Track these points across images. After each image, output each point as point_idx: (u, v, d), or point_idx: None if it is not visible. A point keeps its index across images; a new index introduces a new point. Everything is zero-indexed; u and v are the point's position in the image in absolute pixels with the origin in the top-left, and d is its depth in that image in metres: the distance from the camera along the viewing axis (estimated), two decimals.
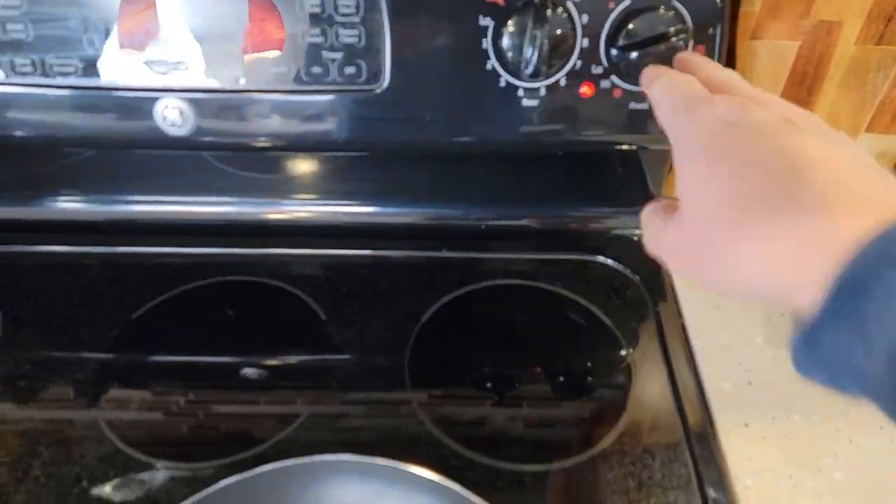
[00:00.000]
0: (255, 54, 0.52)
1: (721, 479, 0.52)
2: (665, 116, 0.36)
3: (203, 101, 0.54)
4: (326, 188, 0.71)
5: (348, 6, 0.50)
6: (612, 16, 0.50)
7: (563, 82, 0.53)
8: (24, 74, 0.53)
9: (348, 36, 0.51)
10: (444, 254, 0.70)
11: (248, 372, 0.60)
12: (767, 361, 0.59)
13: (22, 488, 0.51)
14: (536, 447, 0.55)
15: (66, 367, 0.60)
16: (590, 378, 0.61)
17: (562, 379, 0.61)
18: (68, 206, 0.70)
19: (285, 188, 0.71)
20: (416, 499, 0.46)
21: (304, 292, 0.66)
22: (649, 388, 0.59)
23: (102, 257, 0.70)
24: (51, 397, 0.58)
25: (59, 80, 0.53)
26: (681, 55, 0.45)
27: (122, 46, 0.52)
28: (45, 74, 0.53)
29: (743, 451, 0.53)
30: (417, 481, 0.45)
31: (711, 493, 0.51)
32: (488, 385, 0.59)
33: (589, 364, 0.62)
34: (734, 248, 0.29)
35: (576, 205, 0.71)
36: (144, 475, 0.53)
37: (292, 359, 0.62)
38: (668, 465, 0.53)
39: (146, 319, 0.64)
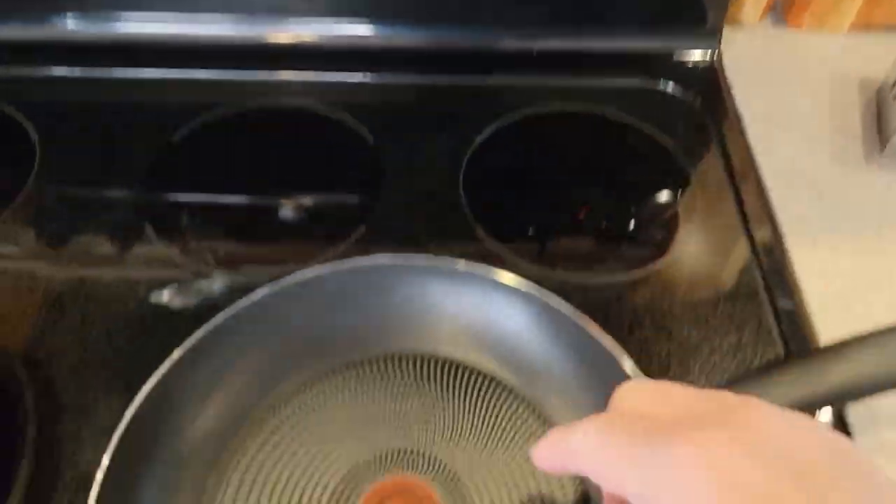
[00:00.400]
0: None
1: (791, 290, 0.50)
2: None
3: None
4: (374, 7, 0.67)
5: None
6: None
7: None
8: None
9: None
10: (497, 79, 0.66)
11: (286, 211, 0.58)
12: (836, 178, 0.57)
13: (82, 293, 0.50)
14: (604, 261, 0.53)
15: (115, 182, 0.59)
16: (652, 201, 0.58)
17: (625, 201, 0.58)
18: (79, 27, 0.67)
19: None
20: (482, 295, 0.45)
21: (352, 117, 0.63)
22: (715, 207, 0.56)
23: (123, 83, 0.67)
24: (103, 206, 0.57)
25: None
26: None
27: None
28: None
29: (813, 265, 0.51)
30: (493, 283, 0.44)
31: (782, 303, 0.50)
32: (550, 206, 0.57)
33: (651, 187, 0.59)
34: None
35: (635, 29, 0.67)
36: (202, 283, 0.52)
37: (342, 183, 0.60)
38: (736, 278, 0.51)
39: (188, 143, 0.62)
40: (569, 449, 0.25)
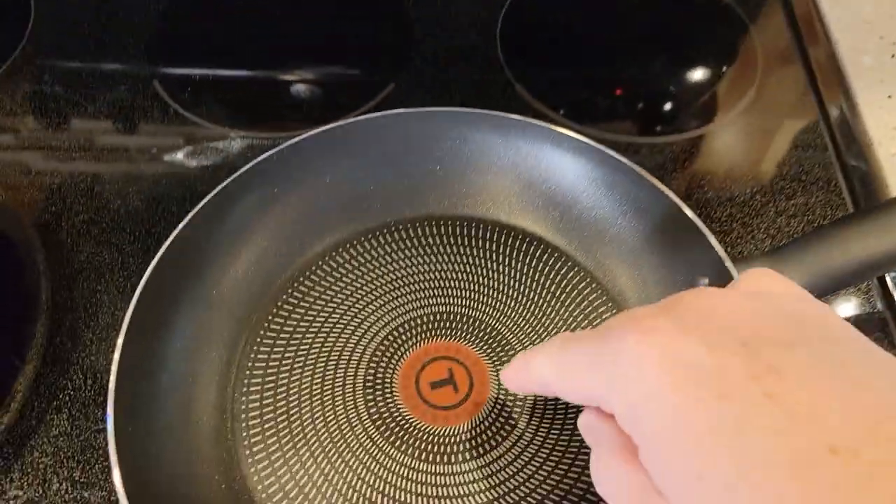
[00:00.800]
0: None
1: (862, 149, 0.46)
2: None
3: None
4: None
5: None
6: None
7: None
8: None
9: None
10: None
11: (311, 72, 0.53)
12: None
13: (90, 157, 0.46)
14: (657, 122, 0.49)
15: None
16: (709, 57, 0.53)
17: (679, 58, 0.53)
18: None
19: None
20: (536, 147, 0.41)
21: None
22: (779, 63, 0.51)
23: None
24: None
25: None
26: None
27: None
28: None
29: (887, 121, 0.47)
30: (548, 134, 0.40)
31: (852, 163, 0.45)
32: (596, 63, 0.52)
33: (708, 42, 0.54)
34: None
35: None
36: (219, 143, 0.47)
37: (369, 40, 0.55)
38: (803, 137, 0.47)
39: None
40: (533, 373, 0.25)
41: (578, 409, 0.35)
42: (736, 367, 0.18)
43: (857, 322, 0.36)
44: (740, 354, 0.18)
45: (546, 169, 0.41)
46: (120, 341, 0.32)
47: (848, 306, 0.41)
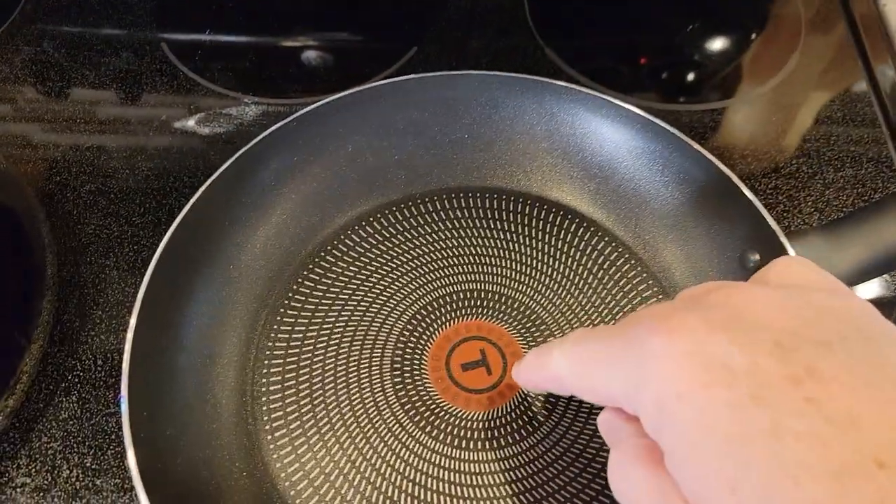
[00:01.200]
0: None
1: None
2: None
3: None
4: None
5: None
6: None
7: None
8: None
9: None
10: None
11: (329, 35, 0.50)
12: None
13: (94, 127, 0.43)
14: (695, 89, 0.46)
15: None
16: (748, 21, 0.50)
17: (716, 21, 0.50)
18: None
19: None
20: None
21: None
22: (824, 27, 0.48)
23: None
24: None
25: None
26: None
27: None
28: None
29: None
30: (586, 99, 0.37)
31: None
32: (631, 26, 0.49)
33: (747, 6, 0.51)
34: None
35: None
36: (232, 110, 0.45)
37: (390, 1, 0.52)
38: (851, 106, 0.44)
39: None
40: (548, 369, 0.24)
41: None
42: (771, 368, 0.17)
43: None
44: (775, 355, 0.17)
45: (582, 137, 0.39)
46: (133, 320, 0.30)
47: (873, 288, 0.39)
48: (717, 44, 0.49)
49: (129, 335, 0.29)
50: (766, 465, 0.15)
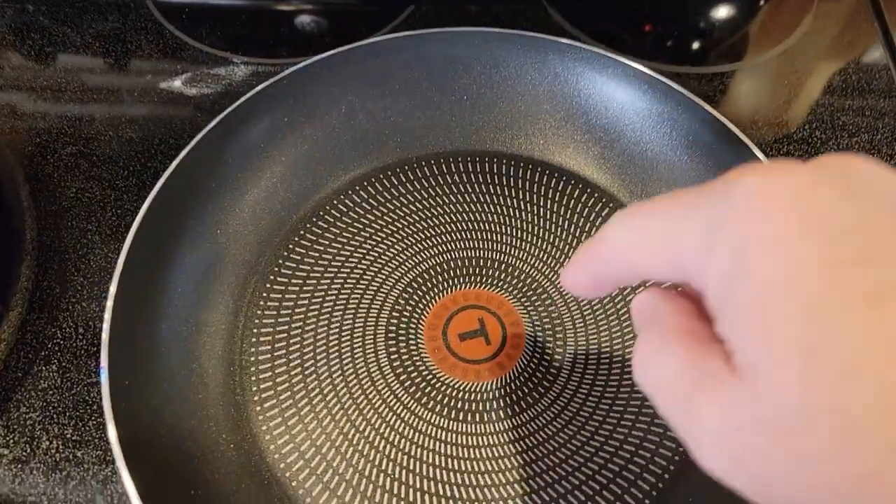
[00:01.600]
0: None
1: None
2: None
3: None
4: None
5: None
6: None
7: None
8: None
9: None
10: None
11: None
12: None
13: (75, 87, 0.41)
14: (703, 53, 0.44)
15: None
16: None
17: None
18: None
19: None
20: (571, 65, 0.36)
21: None
22: None
23: None
24: None
25: None
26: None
27: None
28: None
29: None
30: (591, 58, 0.35)
31: None
32: None
33: None
34: None
35: None
36: (220, 70, 0.43)
37: None
38: (866, 71, 0.42)
39: None
40: (605, 245, 0.19)
41: (622, 366, 0.31)
42: (884, 232, 0.14)
43: None
44: (892, 219, 0.14)
45: (587, 98, 0.37)
46: (113, 287, 0.28)
47: None
48: (727, 5, 0.47)
49: (109, 303, 0.28)
50: (862, 334, 0.13)
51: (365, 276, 0.34)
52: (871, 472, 0.13)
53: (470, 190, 0.36)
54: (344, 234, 0.35)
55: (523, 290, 0.33)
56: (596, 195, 0.36)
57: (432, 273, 0.34)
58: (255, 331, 0.32)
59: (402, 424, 0.30)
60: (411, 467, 0.29)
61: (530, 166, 0.37)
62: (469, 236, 0.35)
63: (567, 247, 0.35)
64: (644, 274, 0.18)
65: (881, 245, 0.14)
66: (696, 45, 0.45)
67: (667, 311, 0.18)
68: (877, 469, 0.12)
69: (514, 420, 0.30)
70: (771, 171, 0.15)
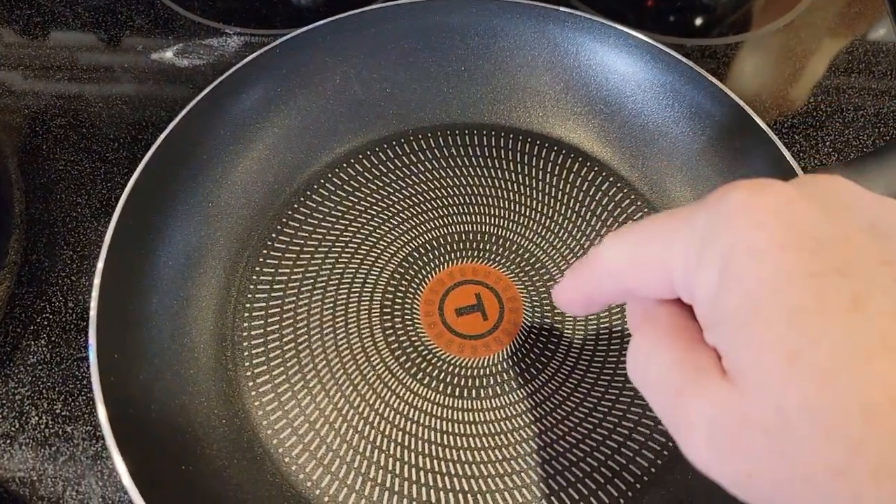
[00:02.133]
0: None
1: None
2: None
3: None
4: None
5: None
6: None
7: None
8: None
9: None
10: None
11: None
12: None
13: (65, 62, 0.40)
14: (707, 26, 0.43)
15: None
16: None
17: None
18: None
19: None
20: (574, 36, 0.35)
21: None
22: None
23: None
24: None
25: None
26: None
27: None
28: None
29: None
30: (591, 27, 0.34)
31: None
32: None
33: None
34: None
35: None
36: (212, 41, 0.42)
37: None
38: (874, 42, 0.41)
39: None
40: (595, 262, 0.20)
41: (621, 341, 0.30)
42: (863, 246, 0.15)
43: None
44: (868, 234, 0.15)
45: (587, 69, 0.36)
46: (101, 262, 0.27)
47: None
48: None
49: (97, 279, 0.27)
50: (839, 339, 0.14)
51: (360, 251, 0.33)
52: (843, 467, 0.13)
53: (467, 163, 0.36)
54: (338, 207, 0.34)
55: (521, 265, 0.33)
56: (596, 168, 0.35)
57: (429, 247, 0.33)
58: (247, 305, 0.32)
59: (397, 400, 0.30)
60: (406, 443, 0.29)
61: (529, 139, 0.36)
62: (466, 210, 0.34)
63: (566, 221, 0.34)
64: (636, 292, 0.19)
65: (857, 258, 0.15)
66: (699, 18, 0.44)
67: (661, 311, 0.19)
68: (848, 464, 0.13)
69: (510, 396, 0.30)
70: (757, 188, 0.16)
